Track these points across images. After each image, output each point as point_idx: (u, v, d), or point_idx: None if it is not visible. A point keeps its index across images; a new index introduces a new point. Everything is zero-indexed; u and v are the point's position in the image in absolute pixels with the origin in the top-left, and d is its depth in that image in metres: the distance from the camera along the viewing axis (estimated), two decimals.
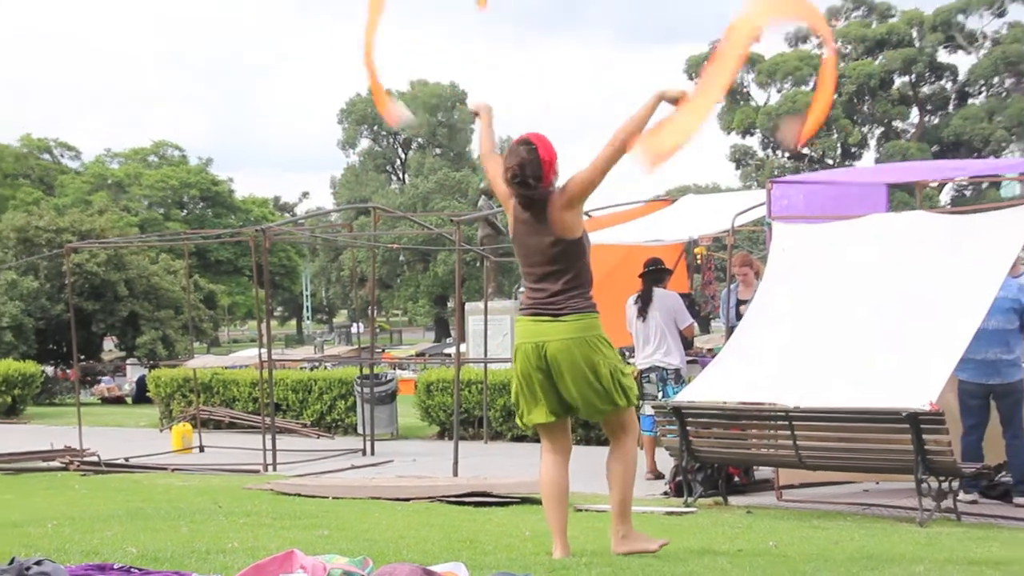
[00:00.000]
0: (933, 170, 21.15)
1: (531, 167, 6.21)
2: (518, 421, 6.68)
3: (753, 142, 74.49)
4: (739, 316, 11.56)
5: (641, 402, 11.99)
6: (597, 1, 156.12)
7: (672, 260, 13.99)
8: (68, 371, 34.80)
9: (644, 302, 11.73)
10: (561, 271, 6.33)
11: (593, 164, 6.27)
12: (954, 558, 6.80)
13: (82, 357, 33.52)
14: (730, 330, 12.01)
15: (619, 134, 6.18)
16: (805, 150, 72.24)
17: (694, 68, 74.63)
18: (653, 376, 11.70)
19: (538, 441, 6.75)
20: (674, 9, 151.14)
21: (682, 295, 12.53)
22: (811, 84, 71.93)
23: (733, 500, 10.37)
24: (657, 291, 11.74)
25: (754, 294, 11.56)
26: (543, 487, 6.55)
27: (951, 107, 73.24)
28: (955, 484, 9.21)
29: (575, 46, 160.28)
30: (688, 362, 12.05)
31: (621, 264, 13.37)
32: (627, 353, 12.24)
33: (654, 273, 11.84)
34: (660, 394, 11.48)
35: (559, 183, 6.33)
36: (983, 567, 6.37)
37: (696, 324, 12.83)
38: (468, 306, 22.28)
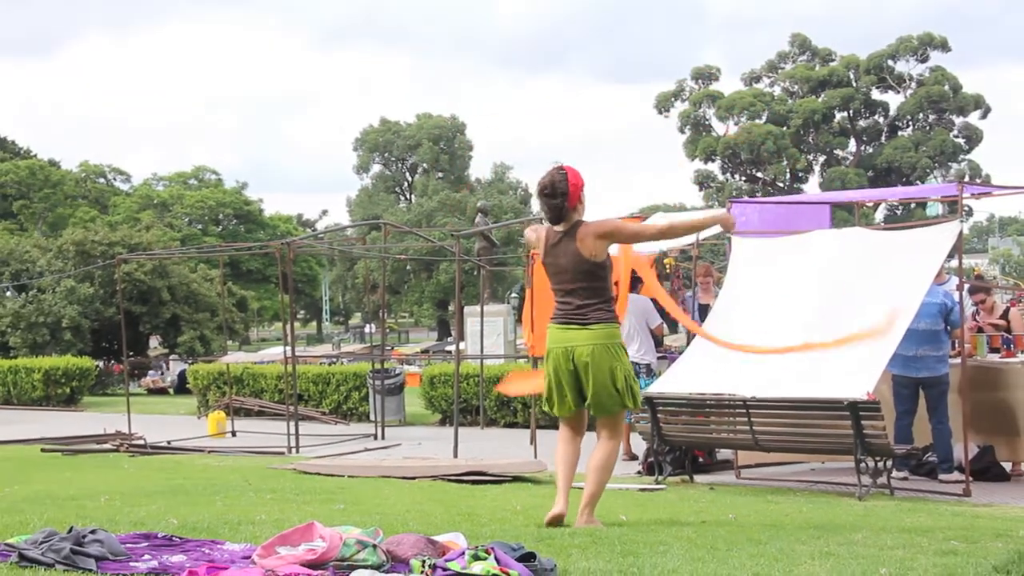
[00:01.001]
0: (869, 195, 21.20)
1: (560, 185, 6.50)
2: (545, 408, 6.96)
3: (714, 167, 74.68)
4: (701, 318, 11.62)
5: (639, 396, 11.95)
6: (578, 46, 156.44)
7: (644, 270, 13.96)
8: (118, 365, 34.68)
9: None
10: (588, 287, 6.54)
11: (644, 227, 6.82)
12: (888, 527, 6.80)
13: (131, 353, 33.33)
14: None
15: (675, 227, 6.90)
16: (759, 175, 72.40)
17: (663, 103, 75.03)
18: None
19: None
20: (646, 53, 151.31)
21: (652, 300, 12.50)
22: (763, 118, 72.24)
23: (698, 478, 10.35)
24: (631, 296, 11.72)
25: (713, 298, 11.65)
26: (557, 455, 6.81)
27: (883, 138, 73.60)
28: (889, 463, 9.23)
29: (559, 84, 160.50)
30: (659, 358, 12.02)
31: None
32: None
33: (628, 281, 11.85)
34: None
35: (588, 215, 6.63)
36: (913, 534, 6.36)
37: (665, 325, 12.79)
38: (466, 309, 22.28)
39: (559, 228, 6.62)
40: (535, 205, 68.29)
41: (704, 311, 11.89)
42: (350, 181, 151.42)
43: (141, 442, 14.72)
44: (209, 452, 13.99)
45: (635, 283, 11.95)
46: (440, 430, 17.11)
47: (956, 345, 10.13)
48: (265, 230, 70.23)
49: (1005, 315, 11.16)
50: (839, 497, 9.00)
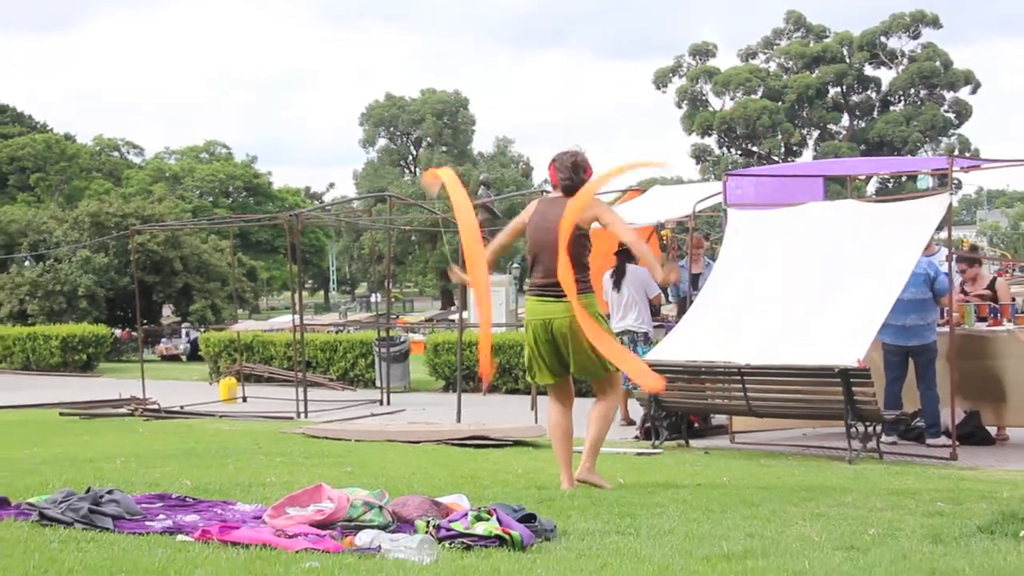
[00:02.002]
0: (862, 166, 21.13)
1: (584, 164, 6.66)
2: (528, 378, 6.81)
3: (711, 141, 74.46)
4: (695, 286, 11.66)
5: None
6: (579, 23, 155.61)
7: (644, 240, 13.96)
8: (133, 333, 34.73)
9: (618, 276, 11.70)
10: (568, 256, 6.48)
11: (620, 226, 6.63)
12: (877, 489, 6.82)
13: (145, 322, 33.39)
14: (680, 298, 12.06)
15: (638, 246, 6.74)
16: (754, 149, 72.17)
17: (661, 79, 74.74)
18: (626, 339, 11.65)
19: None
20: (645, 30, 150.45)
21: None
22: (759, 93, 71.96)
23: (693, 443, 10.37)
24: (630, 266, 11.71)
25: (703, 268, 11.75)
26: (551, 430, 6.83)
27: (875, 113, 73.38)
28: (878, 428, 9.24)
29: (560, 60, 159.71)
30: (655, 327, 12.03)
31: (609, 244, 13.33)
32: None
33: (627, 252, 11.82)
34: None
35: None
36: (900, 496, 6.38)
37: (662, 294, 12.80)
38: None
39: (553, 196, 6.74)
40: (536, 178, 68.27)
41: (695, 280, 11.94)
42: (356, 155, 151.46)
43: (155, 407, 14.76)
44: (221, 417, 14.03)
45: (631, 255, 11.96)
46: (443, 396, 17.14)
47: (944, 314, 10.12)
48: (274, 202, 70.11)
49: (991, 285, 11.14)
50: (830, 461, 9.02)
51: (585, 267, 6.56)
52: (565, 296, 6.40)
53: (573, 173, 6.64)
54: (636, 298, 11.66)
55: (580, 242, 6.50)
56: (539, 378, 6.75)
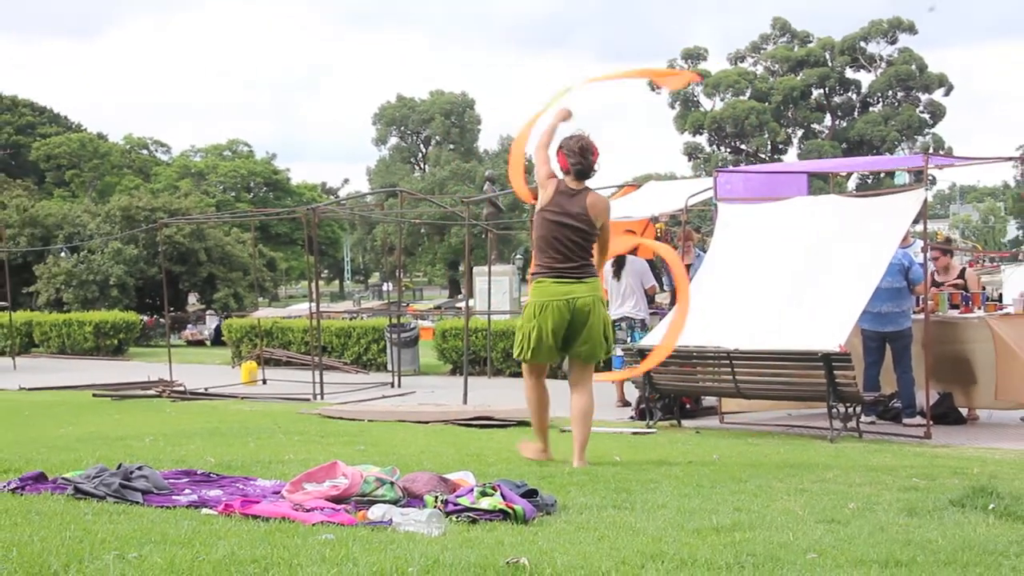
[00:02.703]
0: (843, 165, 21.07)
1: (589, 148, 6.63)
2: (518, 354, 6.87)
3: (702, 140, 74.33)
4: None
5: (613, 346, 11.98)
6: (580, 27, 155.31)
7: (640, 233, 13.93)
8: (160, 320, 34.74)
9: (618, 266, 11.70)
10: (583, 245, 6.60)
11: (609, 243, 6.76)
12: (857, 466, 6.82)
13: (171, 309, 33.39)
14: (673, 287, 12.04)
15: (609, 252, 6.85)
16: (743, 147, 72.05)
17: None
18: (624, 325, 11.67)
19: None
20: (641, 34, 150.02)
21: (648, 261, 12.51)
22: (747, 95, 71.82)
23: (685, 423, 10.37)
24: (629, 257, 11.73)
25: (692, 259, 11.86)
26: (534, 402, 6.86)
27: (856, 113, 73.24)
28: (858, 409, 9.24)
29: (561, 61, 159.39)
30: (651, 314, 12.03)
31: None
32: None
33: None
34: (628, 339, 11.44)
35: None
36: (879, 472, 6.38)
37: (657, 285, 12.79)
38: (475, 269, 22.26)
39: (575, 185, 6.65)
40: None
41: (686, 271, 11.91)
42: (369, 152, 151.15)
43: (181, 389, 14.77)
44: (242, 398, 14.04)
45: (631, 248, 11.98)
46: (451, 379, 17.15)
47: (920, 302, 10.11)
48: (292, 197, 70.02)
49: (962, 275, 11.14)
50: (813, 440, 9.02)
51: (592, 255, 6.67)
52: (586, 277, 6.52)
53: (582, 157, 6.61)
54: (634, 287, 11.68)
55: (593, 234, 6.60)
56: (541, 357, 6.70)
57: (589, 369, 6.74)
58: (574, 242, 6.54)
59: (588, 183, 6.75)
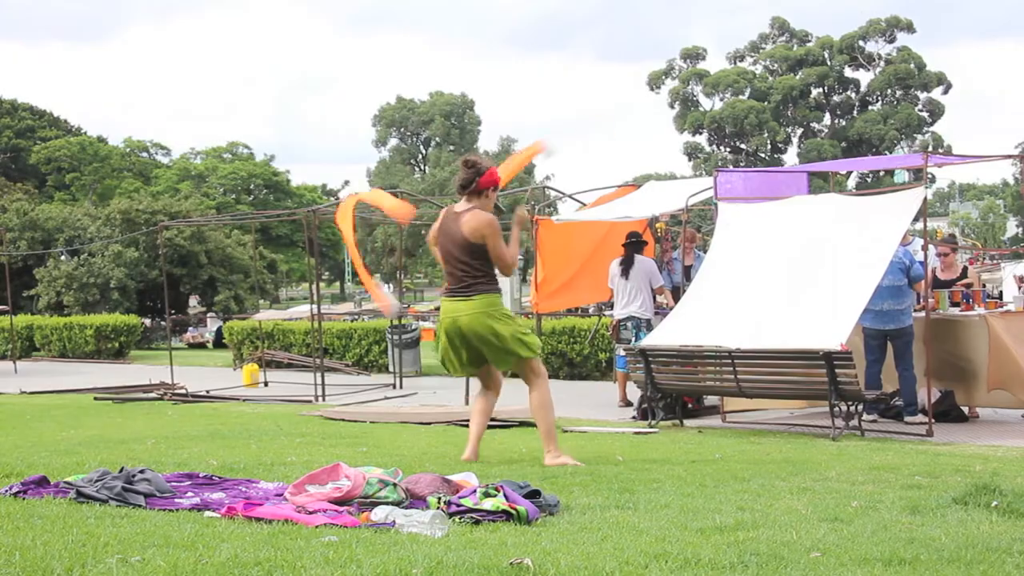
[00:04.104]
0: (842, 164, 21.10)
1: (478, 166, 6.76)
2: (446, 370, 7.26)
3: (701, 140, 74.36)
4: (687, 277, 11.66)
5: (617, 345, 12.00)
6: (579, 28, 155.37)
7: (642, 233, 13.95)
8: (162, 322, 34.78)
9: (627, 265, 11.73)
10: (468, 263, 6.72)
11: (501, 255, 6.70)
12: (859, 465, 6.80)
13: (172, 312, 33.47)
14: (674, 287, 12.06)
15: (507, 263, 6.72)
16: (743, 146, 72.06)
17: (655, 81, 74.62)
18: (629, 324, 11.68)
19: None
20: (640, 34, 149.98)
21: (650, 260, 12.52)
22: (747, 94, 71.87)
23: (688, 422, 10.36)
24: (638, 257, 11.75)
25: (694, 260, 11.84)
26: (473, 407, 7.20)
27: (855, 112, 73.28)
28: (860, 407, 9.22)
29: (561, 63, 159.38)
30: (656, 314, 12.03)
31: (607, 236, 13.33)
32: (604, 307, 12.18)
33: (635, 244, 11.88)
34: (634, 338, 11.42)
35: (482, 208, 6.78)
36: (881, 471, 6.37)
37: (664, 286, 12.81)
38: None
39: (459, 207, 6.81)
40: (538, 175, 68.14)
41: (687, 272, 11.95)
42: (369, 154, 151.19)
43: (183, 391, 14.77)
44: (244, 400, 14.04)
45: (641, 246, 11.99)
46: (452, 380, 17.07)
47: (921, 300, 10.11)
48: (292, 199, 70.07)
49: (964, 273, 11.14)
50: (815, 438, 9.01)
51: (488, 270, 6.76)
52: (473, 295, 6.69)
53: (461, 170, 6.82)
54: (641, 287, 11.70)
55: (479, 252, 6.69)
56: (453, 371, 7.09)
57: (524, 365, 6.84)
58: (461, 261, 6.74)
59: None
